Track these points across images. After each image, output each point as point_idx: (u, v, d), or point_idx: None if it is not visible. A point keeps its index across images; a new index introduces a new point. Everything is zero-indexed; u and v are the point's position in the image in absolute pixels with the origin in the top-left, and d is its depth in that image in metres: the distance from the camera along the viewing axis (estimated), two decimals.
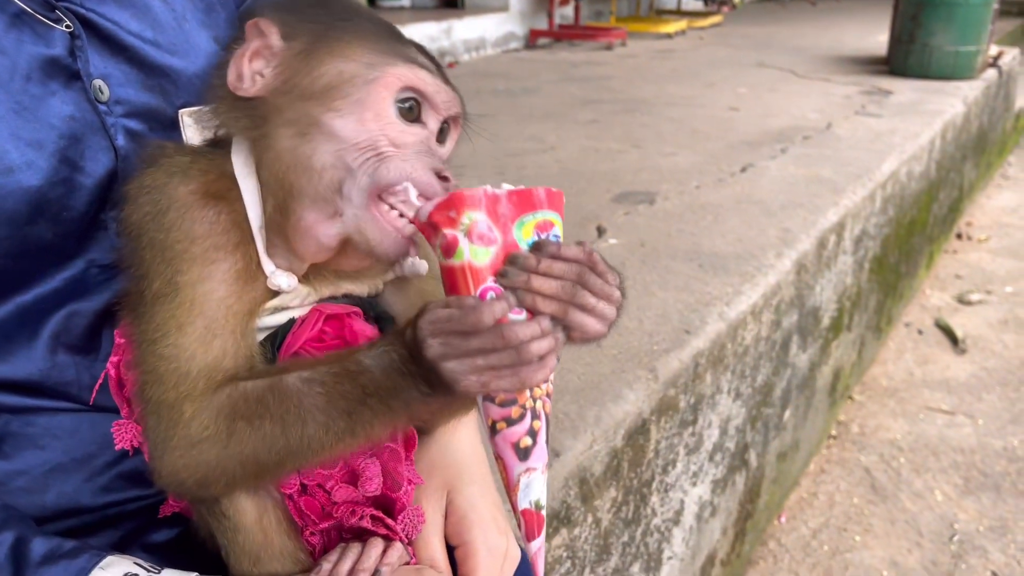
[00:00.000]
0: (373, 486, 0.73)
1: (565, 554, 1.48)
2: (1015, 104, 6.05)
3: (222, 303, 0.68)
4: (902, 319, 3.86)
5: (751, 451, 2.36)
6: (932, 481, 2.81)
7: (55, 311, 0.78)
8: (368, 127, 0.68)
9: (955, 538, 2.55)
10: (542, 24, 7.05)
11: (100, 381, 0.78)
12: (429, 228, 0.64)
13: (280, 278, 0.70)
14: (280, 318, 0.72)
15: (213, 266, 0.68)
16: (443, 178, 0.69)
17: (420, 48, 0.74)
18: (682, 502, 1.97)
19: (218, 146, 0.74)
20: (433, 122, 0.72)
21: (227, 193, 0.70)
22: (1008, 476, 2.82)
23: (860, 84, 4.88)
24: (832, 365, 2.95)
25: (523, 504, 0.69)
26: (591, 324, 0.65)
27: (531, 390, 0.66)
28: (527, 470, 0.68)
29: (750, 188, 2.90)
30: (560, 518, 1.43)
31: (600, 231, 2.50)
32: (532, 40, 6.88)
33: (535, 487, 0.69)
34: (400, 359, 0.64)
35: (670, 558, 1.96)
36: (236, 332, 0.69)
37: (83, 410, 0.79)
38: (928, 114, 4.04)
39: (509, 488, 0.69)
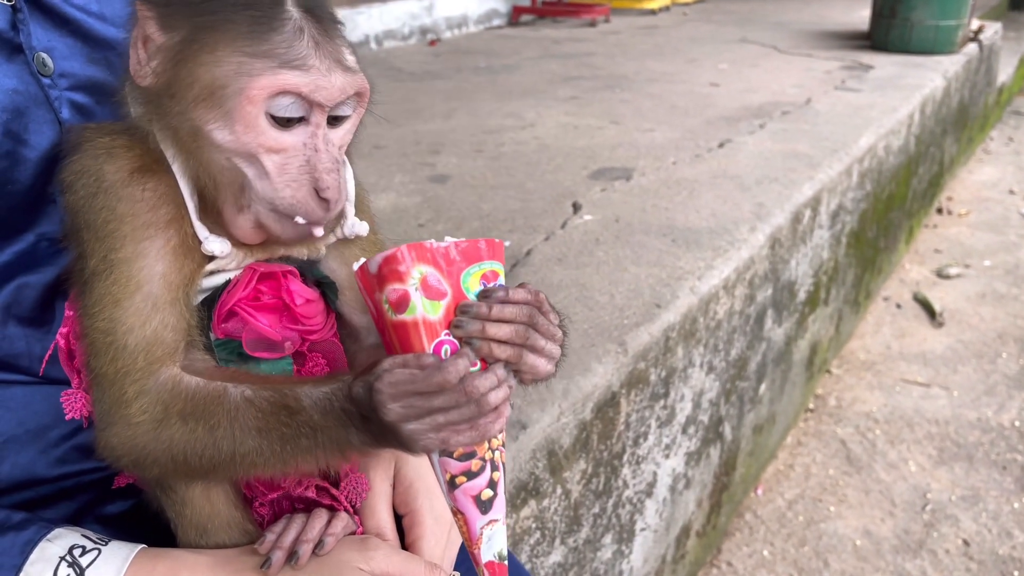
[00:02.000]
0: None
1: (534, 525, 1.50)
2: (997, 79, 6.06)
3: (160, 277, 0.68)
4: (881, 293, 3.89)
5: (726, 424, 2.38)
6: (906, 452, 2.85)
7: (4, 284, 0.78)
8: (243, 139, 0.67)
9: (928, 507, 2.59)
10: (525, 1, 7.01)
11: (50, 352, 0.78)
12: (373, 279, 0.65)
13: (213, 244, 0.71)
14: (217, 280, 0.73)
15: (147, 243, 0.68)
16: (322, 200, 0.68)
17: (308, 18, 0.67)
18: (655, 474, 1.99)
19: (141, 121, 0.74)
20: (318, 115, 0.69)
21: (154, 167, 0.70)
22: (981, 446, 2.86)
23: (841, 59, 4.88)
24: (809, 339, 2.98)
25: (487, 556, 0.69)
26: (541, 365, 0.67)
27: (489, 441, 0.67)
28: (489, 522, 0.69)
29: (726, 163, 2.91)
30: (528, 490, 1.45)
31: (576, 207, 2.51)
32: (515, 17, 6.84)
33: (497, 538, 0.70)
34: (343, 411, 0.64)
35: (643, 529, 1.98)
36: (175, 304, 0.69)
37: (35, 382, 0.80)
38: (908, 88, 4.04)
39: (471, 542, 0.70)
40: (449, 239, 0.66)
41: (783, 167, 2.84)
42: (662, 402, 1.93)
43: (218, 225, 0.72)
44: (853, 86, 4.13)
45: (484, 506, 0.69)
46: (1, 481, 0.79)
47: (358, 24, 5.34)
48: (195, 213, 0.71)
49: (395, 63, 4.98)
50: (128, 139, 0.71)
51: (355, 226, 0.78)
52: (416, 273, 0.63)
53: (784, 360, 2.76)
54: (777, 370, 2.71)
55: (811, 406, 3.13)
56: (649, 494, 1.98)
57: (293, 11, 0.68)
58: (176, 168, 0.70)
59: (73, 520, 0.80)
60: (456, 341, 0.64)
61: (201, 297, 0.73)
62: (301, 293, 0.73)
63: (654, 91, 4.13)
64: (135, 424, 0.67)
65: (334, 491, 0.75)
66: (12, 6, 0.76)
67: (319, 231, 0.69)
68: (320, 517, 0.72)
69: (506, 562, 0.70)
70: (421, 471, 0.82)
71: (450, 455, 0.67)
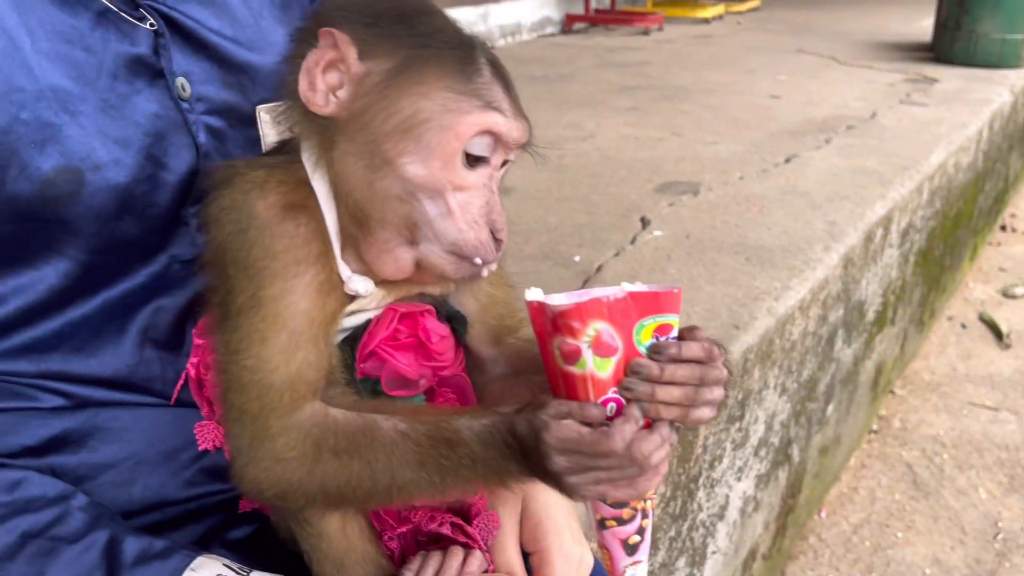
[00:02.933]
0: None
1: None
2: None
3: (304, 315, 0.68)
4: (945, 313, 3.81)
5: (794, 446, 2.34)
6: (976, 478, 2.78)
7: (142, 306, 0.79)
8: (435, 175, 0.67)
9: (999, 536, 2.52)
10: (578, 9, 7.00)
11: (181, 381, 0.79)
12: (546, 320, 0.63)
13: (357, 283, 0.70)
14: (357, 319, 0.73)
15: (295, 280, 0.68)
16: (497, 241, 0.69)
17: (494, 68, 0.70)
18: (727, 497, 1.96)
19: (287, 147, 0.73)
20: (498, 157, 0.70)
21: (305, 202, 0.69)
22: None
23: (904, 72, 4.79)
24: (875, 359, 2.92)
25: None
26: (705, 414, 0.66)
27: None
28: (634, 563, 0.70)
29: (795, 179, 2.87)
30: None
31: (644, 222, 2.48)
32: (568, 25, 6.83)
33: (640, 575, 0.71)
34: (505, 444, 0.64)
35: (714, 552, 1.95)
36: (317, 342, 0.69)
37: (166, 405, 0.80)
38: (975, 103, 3.95)
39: (613, 574, 0.71)
40: (627, 285, 0.64)
41: (853, 184, 2.79)
42: (737, 424, 1.90)
43: (357, 262, 0.71)
44: (919, 100, 4.05)
45: (630, 549, 0.69)
46: (133, 503, 0.79)
47: None
48: (339, 251, 0.70)
49: None
50: (279, 173, 0.70)
51: None
52: (591, 330, 0.61)
53: (851, 381, 2.70)
54: (844, 391, 2.66)
55: (875, 427, 3.07)
56: (721, 517, 1.95)
57: (482, 58, 0.69)
58: (324, 203, 0.69)
59: (200, 544, 0.80)
60: (623, 400, 0.63)
61: (341, 336, 0.72)
62: (436, 331, 0.72)
63: (713, 102, 4.09)
64: (284, 460, 0.67)
65: (469, 529, 0.74)
66: (155, 31, 0.76)
67: (486, 272, 0.68)
68: (456, 556, 0.71)
69: None
70: (550, 509, 0.81)
71: (603, 500, 0.66)
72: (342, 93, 0.68)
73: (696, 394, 0.64)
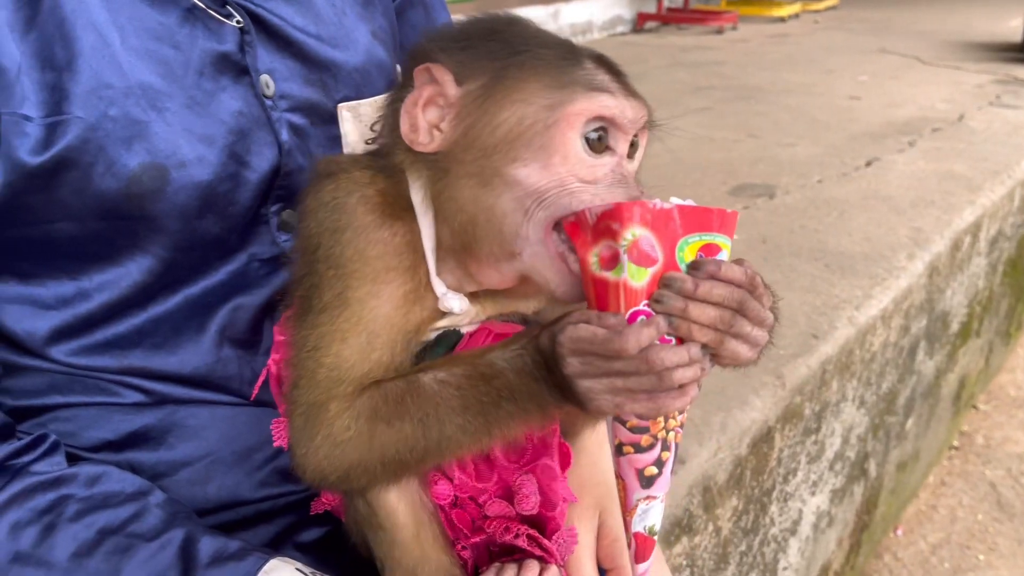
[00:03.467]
0: (530, 504, 0.71)
1: (685, 562, 1.43)
2: None
3: (385, 319, 0.67)
4: None
5: (871, 460, 2.25)
6: None
7: (222, 304, 0.78)
8: (556, 171, 0.64)
9: None
10: (650, 7, 6.91)
11: (262, 379, 0.78)
12: (587, 231, 0.61)
13: (452, 301, 0.69)
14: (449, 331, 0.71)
15: (383, 286, 0.67)
16: None
17: (598, 58, 0.68)
18: (800, 512, 1.89)
19: (383, 154, 0.72)
20: (622, 144, 0.66)
21: (403, 214, 0.68)
22: None
23: (993, 72, 4.60)
24: (958, 372, 2.80)
25: (637, 527, 0.67)
26: (744, 352, 0.61)
27: (665, 419, 0.63)
28: (647, 497, 0.66)
29: (876, 183, 2.76)
30: (682, 526, 1.39)
31: None
32: (640, 24, 6.75)
33: (652, 514, 0.66)
34: (533, 363, 0.62)
35: (785, 568, 1.89)
36: (395, 347, 0.68)
37: (243, 404, 0.80)
38: None
39: (625, 509, 0.67)
40: (676, 200, 0.61)
41: (939, 189, 2.68)
42: (813, 437, 1.83)
43: (452, 277, 0.70)
44: (1009, 102, 3.87)
45: (646, 481, 0.65)
46: (208, 502, 0.79)
47: None
48: (434, 266, 0.69)
49: None
50: (382, 181, 0.69)
51: None
52: (629, 235, 0.58)
53: (932, 394, 2.59)
54: (924, 404, 2.55)
55: (956, 444, 2.94)
56: (793, 532, 1.88)
57: (581, 52, 0.67)
58: (423, 219, 0.68)
59: (274, 545, 0.80)
60: (653, 313, 0.59)
61: (420, 347, 0.71)
62: None
63: (791, 103, 3.98)
64: (342, 443, 0.67)
65: (545, 542, 0.71)
66: (241, 28, 0.76)
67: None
68: (532, 570, 0.69)
69: (656, 537, 0.67)
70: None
71: (623, 423, 0.63)
72: (444, 125, 0.66)
73: (733, 320, 0.59)
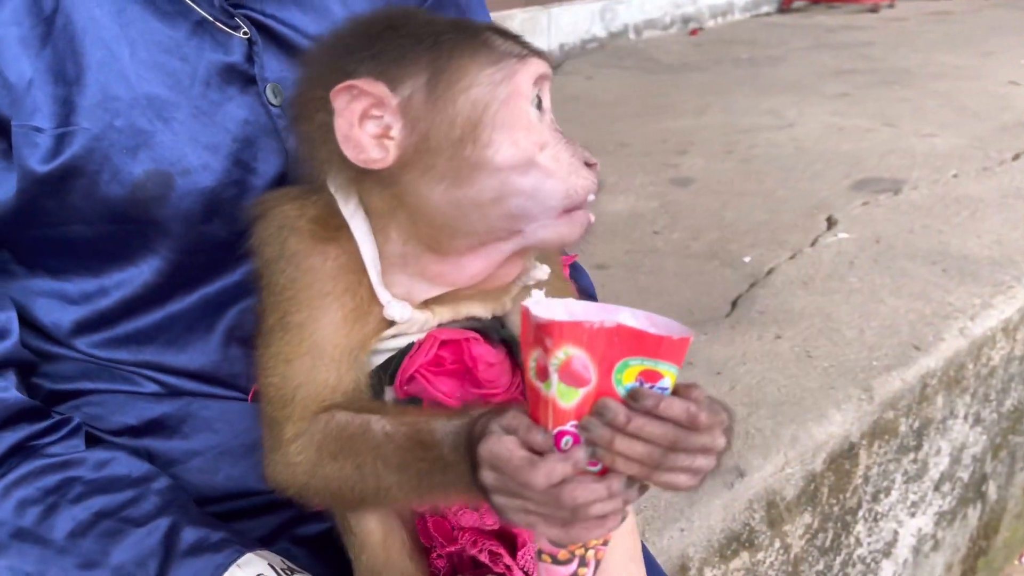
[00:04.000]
0: (492, 519, 0.70)
1: None
2: None
3: (327, 341, 0.69)
4: None
5: (990, 482, 2.07)
6: None
7: (230, 306, 0.81)
8: (522, 144, 0.65)
9: None
10: None
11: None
12: (530, 329, 0.58)
13: (394, 309, 0.69)
14: (400, 342, 0.71)
15: (320, 311, 0.69)
16: (591, 166, 0.67)
17: (495, 29, 0.69)
18: (895, 533, 1.77)
19: (311, 182, 0.72)
20: (546, 97, 0.68)
21: (336, 234, 0.69)
22: None
23: None
24: None
25: None
26: (680, 481, 0.59)
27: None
28: None
29: (1022, 180, 2.52)
30: (740, 541, 1.33)
31: (830, 222, 2.29)
32: (786, 3, 6.43)
33: None
34: (466, 448, 0.61)
35: None
36: (342, 365, 0.69)
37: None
38: None
39: None
40: (625, 312, 0.57)
41: None
42: (912, 455, 1.71)
43: (401, 287, 0.70)
44: None
45: None
46: (216, 490, 0.83)
47: (618, 14, 5.27)
48: (377, 278, 0.69)
49: (653, 54, 4.86)
50: (312, 206, 0.70)
51: (535, 270, 0.74)
52: (562, 353, 0.55)
53: None
54: None
55: None
56: (887, 554, 1.76)
57: (480, 25, 0.69)
58: (360, 235, 0.69)
59: (271, 538, 0.82)
60: (580, 438, 0.56)
61: (383, 358, 0.72)
62: (484, 357, 0.69)
63: (940, 88, 3.69)
64: (293, 464, 0.69)
65: (508, 559, 0.70)
66: (248, 39, 0.78)
67: (590, 214, 0.67)
68: None
69: None
70: (612, 546, 0.75)
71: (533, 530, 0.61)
72: (395, 133, 0.66)
73: (664, 458, 0.56)
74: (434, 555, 0.74)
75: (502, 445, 0.57)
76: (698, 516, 1.25)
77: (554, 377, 0.55)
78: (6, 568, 0.74)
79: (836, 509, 1.54)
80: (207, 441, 0.83)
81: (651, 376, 0.56)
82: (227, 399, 0.83)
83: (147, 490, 0.77)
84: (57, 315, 0.80)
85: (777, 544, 1.42)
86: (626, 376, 0.56)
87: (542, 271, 0.74)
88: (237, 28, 0.78)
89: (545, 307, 0.57)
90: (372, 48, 0.67)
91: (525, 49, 0.67)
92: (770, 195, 2.51)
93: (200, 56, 0.76)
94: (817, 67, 4.27)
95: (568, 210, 0.66)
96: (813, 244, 2.15)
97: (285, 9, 0.81)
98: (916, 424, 1.67)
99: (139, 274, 0.78)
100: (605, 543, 0.62)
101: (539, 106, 0.67)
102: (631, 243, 2.20)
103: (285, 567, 0.74)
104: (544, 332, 0.55)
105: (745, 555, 1.36)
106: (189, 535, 0.74)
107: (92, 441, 0.81)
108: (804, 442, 1.41)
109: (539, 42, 4.84)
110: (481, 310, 0.73)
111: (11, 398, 0.77)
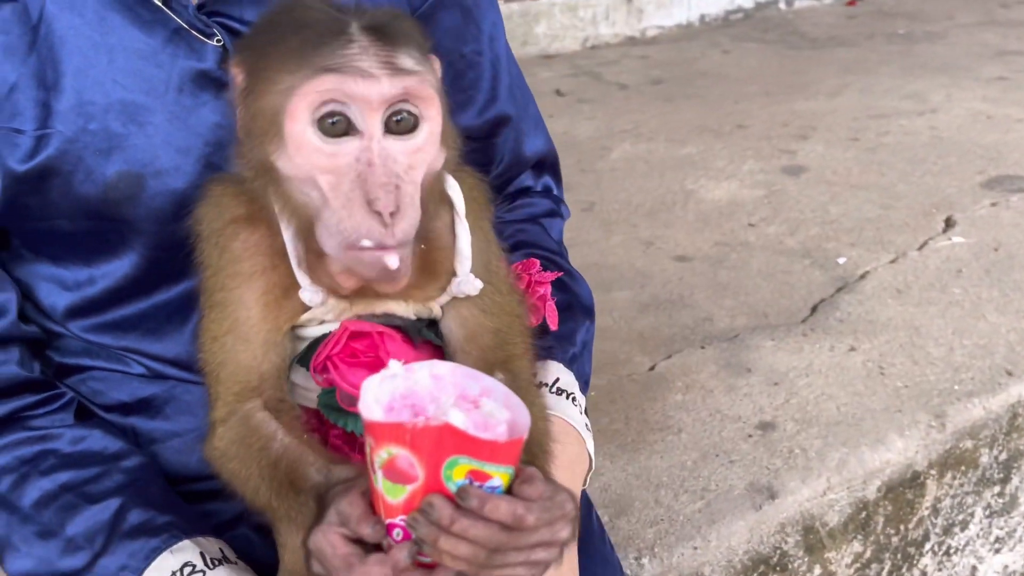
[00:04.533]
0: None
1: None
2: None
3: (247, 320, 0.71)
4: None
5: None
6: None
7: None
8: (297, 162, 0.64)
9: None
10: None
11: None
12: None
13: (306, 294, 0.70)
14: (321, 330, 0.73)
15: (239, 290, 0.71)
16: (376, 213, 0.62)
17: (369, 27, 0.63)
18: (973, 568, 1.63)
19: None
20: (371, 124, 0.63)
21: (256, 217, 0.71)
22: None
23: None
24: None
25: None
26: (518, 573, 0.60)
27: None
28: None
29: None
30: (769, 564, 1.27)
31: (948, 224, 2.10)
32: None
33: None
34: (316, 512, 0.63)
35: None
36: (261, 346, 0.71)
37: None
38: None
39: None
40: (455, 412, 0.56)
41: None
42: (996, 488, 1.56)
43: (328, 279, 0.70)
44: None
45: None
46: (190, 471, 0.87)
47: None
48: (296, 261, 0.70)
49: (800, 26, 4.58)
50: (238, 190, 0.72)
51: (464, 284, 0.73)
52: (384, 452, 0.56)
53: None
54: None
55: None
56: None
57: (353, 28, 0.64)
58: (281, 216, 0.70)
59: (234, 521, 0.86)
60: (410, 532, 0.57)
61: (304, 345, 0.73)
62: (398, 354, 0.69)
63: None
64: (215, 448, 0.72)
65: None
66: (223, 46, 0.80)
67: (391, 260, 0.62)
68: None
69: None
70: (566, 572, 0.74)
71: None
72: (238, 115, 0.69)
73: (490, 559, 0.57)
74: None
75: (327, 541, 0.59)
76: (716, 536, 1.20)
77: (379, 475, 0.56)
78: None
79: (895, 540, 1.44)
80: (186, 424, 0.87)
81: (480, 477, 0.56)
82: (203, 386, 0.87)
83: (114, 468, 0.82)
84: (54, 299, 0.86)
85: (818, 570, 1.34)
86: (455, 473, 0.56)
87: (473, 285, 0.72)
88: (212, 36, 0.81)
89: (401, 379, 0.58)
90: (256, 30, 0.70)
91: (350, 63, 0.62)
92: (888, 189, 2.33)
93: (174, 63, 0.79)
94: (978, 46, 3.90)
95: (351, 247, 0.63)
96: (921, 248, 1.98)
97: None
98: (1003, 455, 1.53)
99: (120, 267, 0.83)
100: None
101: (334, 129, 0.62)
102: (721, 234, 2.11)
103: (219, 557, 0.77)
104: (367, 431, 0.56)
105: None
106: (135, 516, 0.79)
107: (87, 415, 0.88)
108: (853, 467, 1.32)
109: (678, 14, 4.69)
110: (402, 309, 0.73)
111: (9, 372, 0.83)
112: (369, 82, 0.62)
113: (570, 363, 0.87)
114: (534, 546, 0.58)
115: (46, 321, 0.88)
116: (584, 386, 0.88)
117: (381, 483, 0.57)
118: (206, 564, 0.76)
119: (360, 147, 0.63)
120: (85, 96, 0.77)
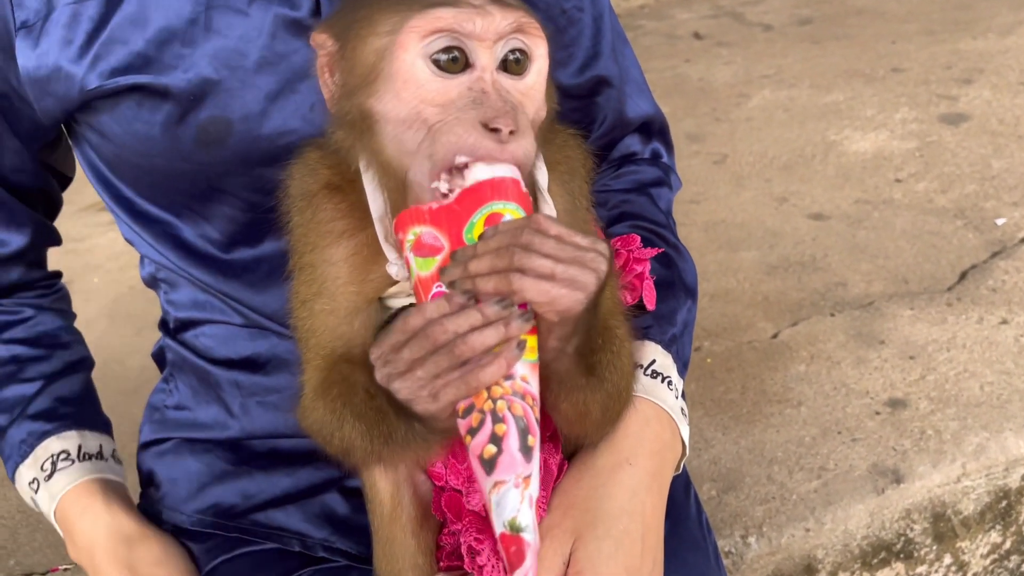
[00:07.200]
0: (477, 500, 0.70)
1: None
2: None
3: (336, 283, 0.71)
4: None
5: None
6: None
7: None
8: (404, 98, 0.64)
9: None
10: None
11: None
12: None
13: (393, 267, 0.69)
14: (407, 301, 0.71)
15: (331, 249, 0.71)
16: (493, 129, 0.61)
17: None
18: None
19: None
20: (485, 57, 0.63)
21: (349, 186, 0.71)
22: None
23: None
24: None
25: (498, 527, 0.59)
26: (555, 292, 0.58)
27: (488, 389, 0.59)
28: (495, 484, 0.59)
29: None
30: (892, 550, 1.20)
31: None
32: None
33: (507, 504, 0.58)
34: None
35: None
36: (350, 311, 0.71)
37: None
38: None
39: (486, 511, 0.61)
40: (481, 167, 0.61)
41: None
42: None
43: None
44: None
45: (487, 466, 0.59)
46: (284, 429, 0.89)
47: None
48: (383, 235, 0.69)
49: None
50: (333, 157, 0.72)
51: None
52: (411, 235, 0.62)
53: None
54: None
55: None
56: None
57: None
58: (368, 182, 0.69)
59: (324, 485, 0.88)
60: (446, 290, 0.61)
61: (389, 315, 0.72)
62: None
63: None
64: (306, 408, 0.72)
65: (480, 558, 0.69)
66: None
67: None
68: None
69: (525, 535, 0.58)
70: (597, 559, 0.70)
71: (460, 414, 0.60)
72: (329, 80, 0.69)
73: (513, 257, 0.57)
74: (446, 531, 0.75)
75: (384, 339, 0.62)
76: (831, 518, 1.13)
77: (411, 256, 0.62)
78: None
79: None
80: (285, 381, 0.88)
81: (493, 219, 0.60)
82: None
83: (55, 355, 0.94)
84: (190, 237, 0.89)
85: (947, 559, 1.25)
86: (474, 233, 0.60)
87: None
88: None
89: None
90: (345, 2, 0.70)
91: (458, 1, 0.63)
92: None
93: (267, 10, 0.80)
94: None
95: (445, 167, 0.63)
96: None
97: None
98: None
99: (224, 211, 0.85)
100: (521, 394, 0.60)
101: (450, 65, 0.63)
102: (863, 191, 1.97)
103: (93, 453, 0.91)
104: (396, 229, 0.63)
105: (899, 566, 1.22)
106: (41, 402, 0.91)
107: (195, 370, 0.94)
108: (993, 454, 1.21)
109: None
110: None
111: (15, 276, 0.94)
112: (483, 16, 0.63)
113: (668, 344, 0.82)
114: (556, 255, 0.58)
115: (179, 262, 0.90)
116: (683, 368, 0.84)
117: (415, 263, 0.62)
118: (78, 456, 0.89)
119: (473, 78, 0.64)
120: (177, 48, 0.79)
